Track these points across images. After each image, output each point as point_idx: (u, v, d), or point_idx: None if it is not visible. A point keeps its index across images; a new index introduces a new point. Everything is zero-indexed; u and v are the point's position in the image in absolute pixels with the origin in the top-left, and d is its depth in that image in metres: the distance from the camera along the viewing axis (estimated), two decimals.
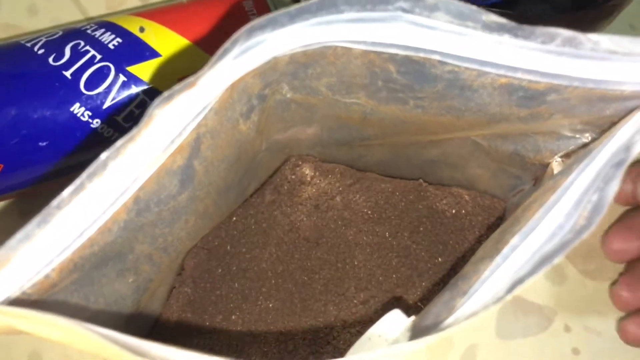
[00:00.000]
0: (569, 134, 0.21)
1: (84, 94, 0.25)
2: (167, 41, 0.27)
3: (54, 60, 0.26)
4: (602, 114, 0.18)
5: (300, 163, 0.26)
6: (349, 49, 0.16)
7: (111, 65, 0.26)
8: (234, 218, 0.25)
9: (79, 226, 0.13)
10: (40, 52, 0.26)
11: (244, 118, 0.18)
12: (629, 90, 0.17)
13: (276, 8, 0.30)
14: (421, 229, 0.26)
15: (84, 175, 0.12)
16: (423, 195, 0.26)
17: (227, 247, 0.25)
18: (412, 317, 0.17)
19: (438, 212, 0.26)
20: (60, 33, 0.27)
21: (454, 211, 0.26)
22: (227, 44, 0.14)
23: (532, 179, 0.24)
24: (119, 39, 0.26)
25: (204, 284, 0.24)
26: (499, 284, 0.14)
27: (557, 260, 0.13)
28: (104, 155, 0.12)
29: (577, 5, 0.26)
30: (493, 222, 0.27)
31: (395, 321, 0.17)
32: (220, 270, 0.25)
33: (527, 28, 0.15)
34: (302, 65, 0.17)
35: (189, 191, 0.17)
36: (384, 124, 0.21)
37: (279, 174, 0.26)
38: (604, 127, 0.19)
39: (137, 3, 0.35)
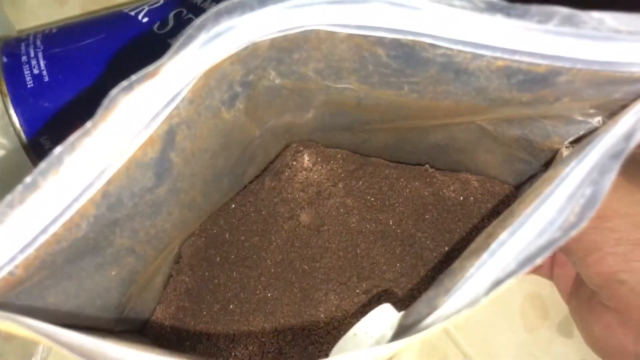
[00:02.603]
0: (579, 118, 0.20)
1: None
2: None
3: (159, 28, 0.26)
4: (611, 97, 0.17)
5: (301, 149, 0.25)
6: (333, 33, 0.16)
7: None
8: (233, 205, 0.25)
9: (38, 224, 0.12)
10: (145, 20, 0.26)
11: (227, 106, 0.17)
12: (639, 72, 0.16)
13: None
14: (427, 216, 0.25)
15: (36, 171, 0.12)
16: (429, 182, 0.25)
17: (226, 235, 0.24)
18: (401, 313, 0.17)
19: (445, 199, 0.25)
20: (162, 2, 0.27)
21: (461, 198, 0.25)
22: (190, 30, 0.13)
23: (544, 165, 0.23)
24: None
25: (202, 272, 0.24)
26: (481, 284, 0.13)
27: (540, 261, 0.12)
28: (57, 150, 0.12)
29: None
30: (503, 209, 0.25)
31: (384, 316, 0.16)
32: (218, 259, 0.24)
33: (520, 7, 0.14)
34: (286, 50, 0.16)
35: (168, 183, 0.16)
36: (381, 109, 0.20)
37: (280, 160, 0.25)
38: (615, 111, 0.18)
39: None
